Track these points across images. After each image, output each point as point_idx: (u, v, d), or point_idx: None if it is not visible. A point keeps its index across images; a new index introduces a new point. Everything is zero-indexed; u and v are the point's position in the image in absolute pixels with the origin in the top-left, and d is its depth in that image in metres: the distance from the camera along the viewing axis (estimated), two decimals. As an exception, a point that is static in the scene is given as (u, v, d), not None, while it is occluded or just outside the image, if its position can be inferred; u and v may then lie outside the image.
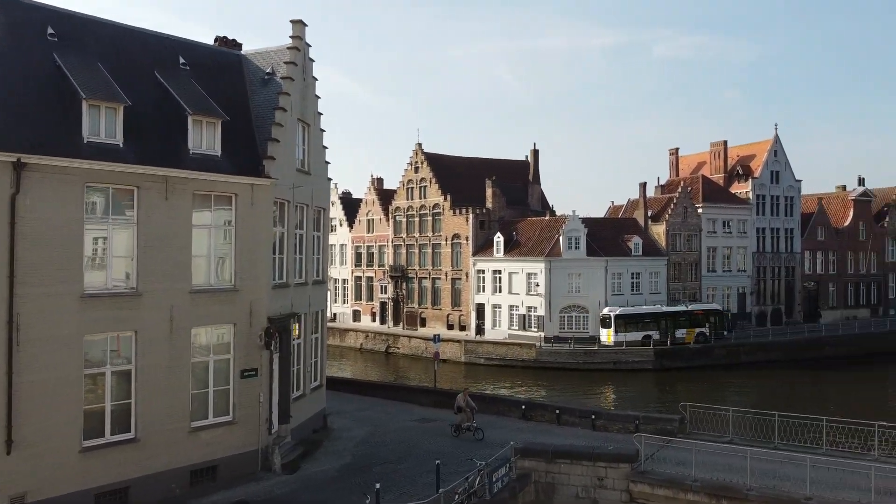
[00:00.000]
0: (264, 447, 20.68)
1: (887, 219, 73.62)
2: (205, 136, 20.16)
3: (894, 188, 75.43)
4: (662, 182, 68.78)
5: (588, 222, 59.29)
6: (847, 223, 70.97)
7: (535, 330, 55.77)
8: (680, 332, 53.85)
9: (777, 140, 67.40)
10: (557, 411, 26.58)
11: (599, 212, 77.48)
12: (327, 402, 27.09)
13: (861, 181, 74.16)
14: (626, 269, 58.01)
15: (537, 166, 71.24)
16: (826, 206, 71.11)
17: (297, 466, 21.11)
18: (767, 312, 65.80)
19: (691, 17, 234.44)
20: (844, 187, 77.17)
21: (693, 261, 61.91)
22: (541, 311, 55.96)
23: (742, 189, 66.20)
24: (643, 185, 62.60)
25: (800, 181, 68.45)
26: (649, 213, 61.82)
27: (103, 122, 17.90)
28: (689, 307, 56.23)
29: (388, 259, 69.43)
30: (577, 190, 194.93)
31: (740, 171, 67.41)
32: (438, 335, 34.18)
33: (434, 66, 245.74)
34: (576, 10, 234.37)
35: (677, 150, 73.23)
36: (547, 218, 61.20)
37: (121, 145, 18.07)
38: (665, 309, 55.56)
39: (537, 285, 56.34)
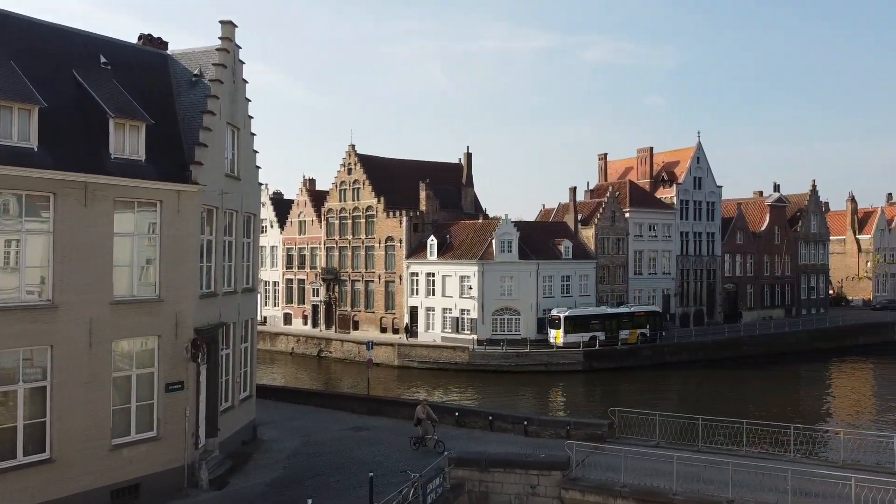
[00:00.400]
0: (190, 463, 19.98)
1: (800, 223, 77.57)
2: (127, 140, 19.31)
3: (806, 194, 79.58)
4: (592, 186, 70.31)
5: (520, 226, 60.12)
6: (764, 227, 74.36)
7: (469, 332, 56.10)
8: (624, 333, 55.73)
9: (699, 147, 69.98)
10: (490, 417, 26.74)
11: (531, 214, 78.73)
12: (258, 412, 26.45)
13: (776, 187, 77.92)
14: (556, 271, 59.05)
15: (470, 169, 71.72)
16: (744, 211, 74.28)
17: (226, 482, 20.49)
18: (690, 313, 68.25)
19: (618, 23, 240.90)
20: (761, 193, 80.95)
21: (621, 264, 63.59)
22: (474, 314, 56.33)
23: (667, 194, 68.44)
24: (573, 190, 63.92)
25: (720, 187, 71.32)
26: (579, 217, 63.13)
27: (16, 125, 16.89)
28: (632, 309, 58.26)
29: (321, 261, 68.48)
30: (509, 193, 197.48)
31: (665, 177, 69.68)
32: (372, 342, 33.84)
33: (368, 64, 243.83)
34: (508, 13, 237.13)
35: (606, 155, 75.14)
36: (480, 221, 61.66)
37: (35, 149, 17.10)
38: (610, 310, 57.19)
39: (470, 288, 56.70)
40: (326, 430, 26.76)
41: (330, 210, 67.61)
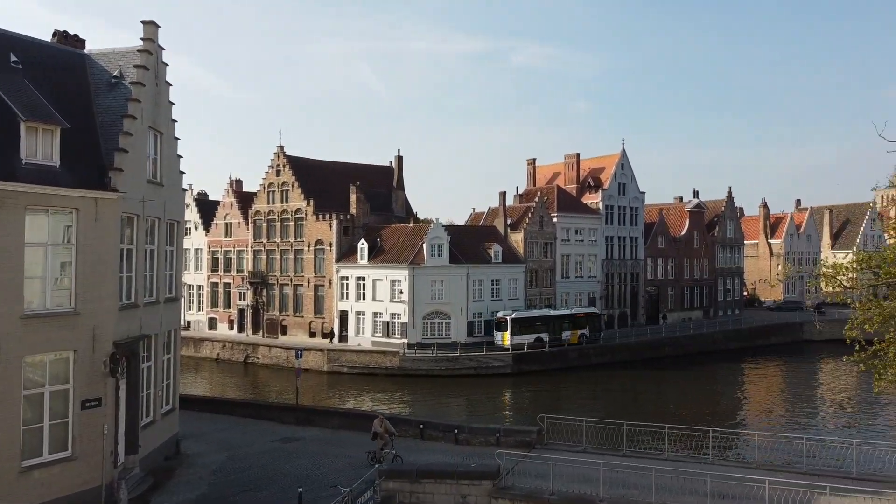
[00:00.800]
0: (109, 482, 19.15)
1: (717, 228, 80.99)
2: (41, 145, 18.35)
3: (723, 200, 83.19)
4: (521, 191, 71.38)
5: (451, 230, 60.44)
6: (683, 232, 77.26)
7: (399, 337, 55.97)
8: (566, 334, 57.62)
9: (624, 154, 72.08)
10: (421, 426, 26.74)
11: (462, 218, 79.07)
12: (181, 425, 25.59)
13: (695, 194, 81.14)
14: (486, 275, 59.63)
15: (401, 172, 71.57)
16: (665, 217, 76.96)
17: (147, 501, 19.75)
18: (615, 315, 70.18)
19: (544, 29, 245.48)
20: (681, 199, 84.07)
21: (549, 267, 64.79)
22: (405, 318, 56.23)
23: (593, 200, 70.17)
24: (503, 195, 64.70)
25: (643, 193, 73.61)
26: (509, 222, 63.95)
27: (-85, 128, 15.78)
28: (573, 311, 60.33)
29: (248, 265, 66.90)
30: (440, 196, 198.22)
31: (591, 183, 71.44)
32: (301, 351, 33.22)
33: (298, 61, 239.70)
34: (437, 16, 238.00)
35: (534, 160, 76.40)
36: (411, 225, 61.61)
37: (-63, 155, 16.02)
38: (553, 312, 59.06)
39: (401, 292, 56.57)
40: (254, 442, 26.15)
41: (258, 212, 66.14)
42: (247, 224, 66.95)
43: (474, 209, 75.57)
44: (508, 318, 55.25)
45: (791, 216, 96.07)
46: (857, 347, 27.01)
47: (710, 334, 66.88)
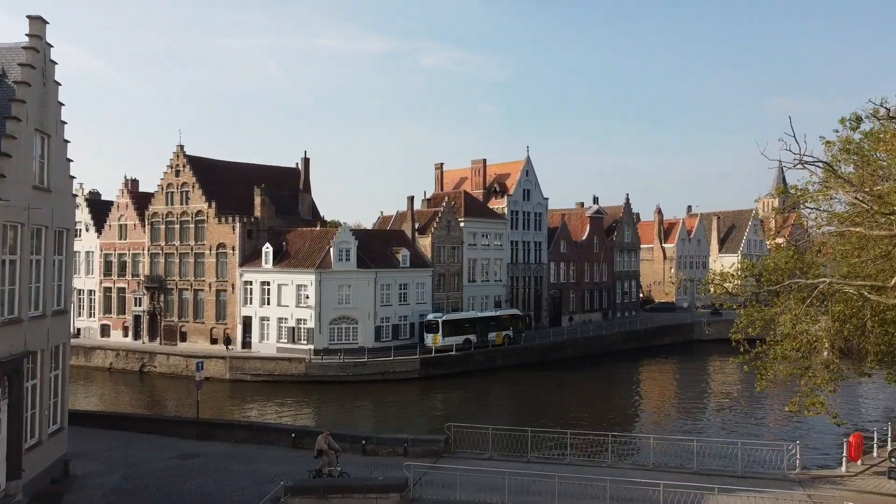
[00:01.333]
0: (-12, 512, 17.84)
1: (616, 233, 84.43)
2: (-90, 149, 16.86)
3: (621, 206, 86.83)
4: (429, 196, 71.80)
5: (359, 234, 60.07)
6: (584, 237, 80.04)
7: (305, 343, 55.06)
8: (492, 335, 59.53)
9: (528, 161, 73.90)
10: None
11: (370, 221, 78.64)
12: (71, 443, 24.17)
13: (595, 200, 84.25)
14: (394, 280, 59.60)
15: (308, 174, 70.49)
16: (567, 222, 79.49)
17: (32, 530, 18.52)
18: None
19: (452, 32, 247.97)
20: (583, 204, 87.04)
21: (456, 272, 65.51)
22: (311, 324, 55.34)
23: (499, 205, 71.54)
24: (411, 199, 64.87)
25: (547, 199, 75.74)
26: (416, 226, 64.19)
27: None
28: (498, 312, 62.57)
29: (144, 269, 63.89)
30: (348, 199, 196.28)
31: (497, 189, 72.83)
32: (202, 362, 31.95)
33: (200, 56, 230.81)
34: (347, 14, 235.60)
35: (442, 165, 77.09)
36: (318, 229, 60.73)
37: None
38: (480, 314, 61.49)
39: (307, 297, 55.65)
40: (151, 460, 25.02)
41: (155, 214, 63.29)
42: (143, 226, 63.93)
43: (382, 213, 75.51)
44: (439, 320, 56.87)
45: (683, 222, 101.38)
46: (741, 350, 28.95)
47: (609, 336, 69.56)
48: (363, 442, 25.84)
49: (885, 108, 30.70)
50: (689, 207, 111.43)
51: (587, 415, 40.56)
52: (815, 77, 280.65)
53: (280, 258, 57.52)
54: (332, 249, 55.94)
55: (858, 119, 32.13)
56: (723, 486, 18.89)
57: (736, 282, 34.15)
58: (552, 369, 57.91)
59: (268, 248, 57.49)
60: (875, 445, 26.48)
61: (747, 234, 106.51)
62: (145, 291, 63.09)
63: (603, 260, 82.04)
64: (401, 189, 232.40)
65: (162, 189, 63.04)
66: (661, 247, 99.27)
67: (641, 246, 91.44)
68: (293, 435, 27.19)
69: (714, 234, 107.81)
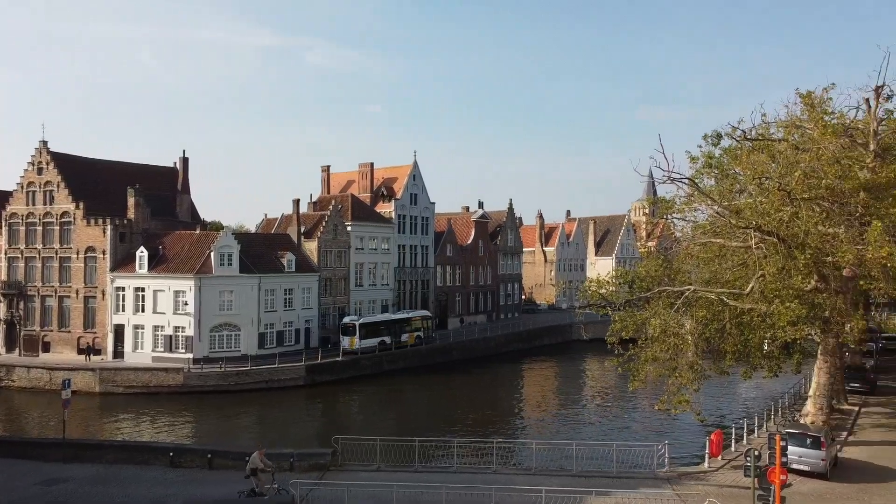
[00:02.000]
0: None
1: (500, 237, 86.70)
2: None
3: (504, 211, 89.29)
4: (315, 198, 70.73)
5: (241, 238, 58.34)
6: (469, 241, 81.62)
7: (184, 351, 52.77)
8: (405, 336, 61.69)
9: (416, 165, 74.48)
10: (210, 455, 25.48)
11: (253, 223, 76.39)
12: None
13: (480, 204, 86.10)
14: (279, 285, 58.29)
15: (187, 174, 67.63)
16: (454, 226, 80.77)
17: None
18: (407, 322, 72.17)
19: (339, 30, 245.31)
20: (468, 208, 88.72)
21: (343, 276, 64.96)
22: (190, 331, 53.11)
23: (386, 209, 71.61)
24: (296, 202, 63.64)
25: (434, 203, 76.62)
26: (302, 230, 63.08)
27: None
28: (410, 314, 64.57)
29: (1, 274, 58.79)
30: (230, 200, 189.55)
31: (385, 192, 72.88)
32: (69, 380, 29.70)
33: (67, 42, 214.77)
34: (232, 4, 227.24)
35: (329, 167, 76.25)
36: (198, 232, 58.32)
37: None
38: (394, 316, 63.22)
39: (186, 304, 53.35)
40: (12, 488, 23.15)
41: (14, 215, 58.43)
42: (0, 228, 58.85)
43: (266, 215, 73.50)
44: (356, 323, 58.00)
45: (562, 226, 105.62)
46: (616, 352, 30.70)
47: (493, 338, 71.32)
48: (246, 459, 25.06)
49: (742, 130, 33.66)
50: (569, 212, 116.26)
51: (473, 418, 41.44)
52: (681, 89, 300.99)
53: (156, 263, 54.80)
54: (213, 254, 53.96)
55: (719, 136, 35.02)
56: (600, 488, 19.99)
57: (611, 288, 36.19)
58: (439, 372, 58.68)
59: (143, 253, 54.60)
60: (733, 440, 28.88)
61: (621, 238, 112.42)
62: (2, 298, 58.18)
63: (487, 263, 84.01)
64: (286, 191, 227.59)
65: (22, 188, 58.36)
66: (543, 250, 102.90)
67: (524, 249, 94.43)
68: (171, 453, 25.98)
69: (591, 238, 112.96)
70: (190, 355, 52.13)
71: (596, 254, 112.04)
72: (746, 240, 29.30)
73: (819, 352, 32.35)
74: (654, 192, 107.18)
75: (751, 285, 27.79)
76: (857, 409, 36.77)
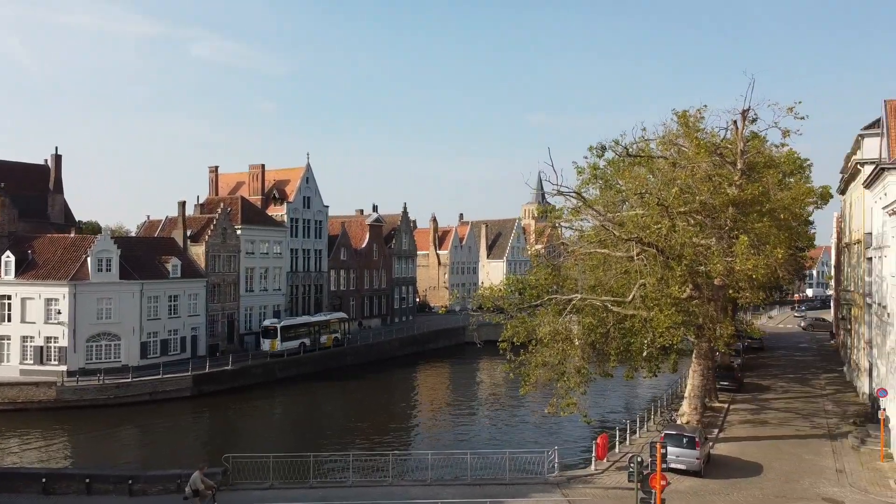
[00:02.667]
0: None
1: (394, 241, 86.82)
2: None
3: (398, 215, 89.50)
4: (202, 200, 68.05)
5: (122, 241, 55.33)
6: (364, 245, 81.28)
7: (57, 363, 49.36)
8: (324, 338, 63.55)
9: (309, 168, 73.25)
10: (87, 479, 23.96)
11: (134, 224, 72.45)
12: None
13: (375, 208, 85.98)
14: (163, 291, 55.63)
15: (60, 172, 63.36)
16: (348, 230, 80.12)
17: None
18: (300, 327, 70.84)
19: (226, 21, 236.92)
20: (362, 212, 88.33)
21: (232, 281, 62.88)
22: (63, 342, 49.73)
23: (278, 212, 69.96)
24: (182, 204, 60.87)
25: (327, 206, 75.62)
26: (189, 233, 60.53)
27: None
28: (328, 317, 66.68)
29: None
30: (109, 200, 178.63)
31: (276, 195, 71.17)
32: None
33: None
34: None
35: (217, 168, 73.40)
36: (72, 235, 54.66)
37: None
38: (313, 319, 64.86)
39: (59, 312, 49.92)
40: None
41: None
42: None
43: (149, 217, 69.81)
44: (278, 325, 59.37)
45: (455, 230, 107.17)
46: (508, 358, 31.58)
47: (387, 342, 71.34)
48: (130, 482, 23.82)
49: (623, 146, 35.54)
50: (461, 215, 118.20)
51: (368, 427, 41.23)
52: (567, 97, 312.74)
53: (25, 268, 50.95)
54: (89, 259, 50.80)
55: (603, 148, 36.77)
56: (493, 497, 20.49)
57: (506, 298, 37.16)
58: (333, 378, 58.02)
59: (9, 257, 50.62)
60: (617, 442, 30.42)
61: (512, 241, 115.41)
62: None
63: (382, 267, 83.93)
64: (172, 192, 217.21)
65: None
66: (437, 253, 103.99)
67: (418, 252, 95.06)
68: (43, 479, 24.21)
69: (483, 241, 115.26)
70: (64, 367, 48.85)
71: (488, 257, 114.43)
72: (629, 250, 31.02)
73: (693, 355, 34.70)
74: (543, 197, 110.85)
75: (633, 293, 29.41)
76: (726, 406, 39.70)
